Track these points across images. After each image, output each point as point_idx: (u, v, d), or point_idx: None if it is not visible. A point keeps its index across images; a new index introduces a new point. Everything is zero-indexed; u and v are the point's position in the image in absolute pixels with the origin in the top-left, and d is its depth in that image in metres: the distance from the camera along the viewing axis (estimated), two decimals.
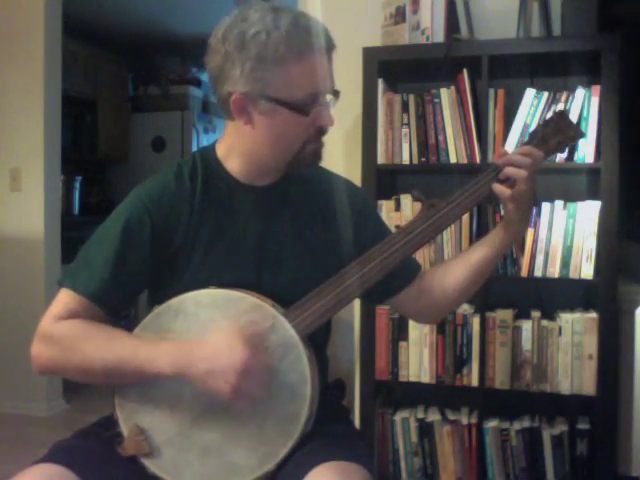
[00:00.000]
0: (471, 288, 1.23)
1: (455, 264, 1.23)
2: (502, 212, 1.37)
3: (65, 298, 1.11)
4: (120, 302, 1.14)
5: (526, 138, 1.19)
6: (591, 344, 2.01)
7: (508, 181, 1.13)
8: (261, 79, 1.05)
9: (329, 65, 1.10)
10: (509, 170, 1.12)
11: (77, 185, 4.63)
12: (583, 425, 2.08)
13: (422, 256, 2.12)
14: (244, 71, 1.05)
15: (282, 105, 1.06)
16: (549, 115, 1.23)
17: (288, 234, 1.19)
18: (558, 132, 1.17)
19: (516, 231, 1.18)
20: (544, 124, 1.18)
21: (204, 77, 5.41)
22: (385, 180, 2.24)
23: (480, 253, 1.20)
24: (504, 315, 2.09)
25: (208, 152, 1.21)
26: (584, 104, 2.01)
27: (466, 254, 1.23)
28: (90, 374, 1.09)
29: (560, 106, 2.03)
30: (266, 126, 1.09)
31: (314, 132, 1.11)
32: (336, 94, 1.12)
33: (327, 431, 1.12)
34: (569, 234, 2.02)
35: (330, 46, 1.09)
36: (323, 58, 1.08)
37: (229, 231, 1.16)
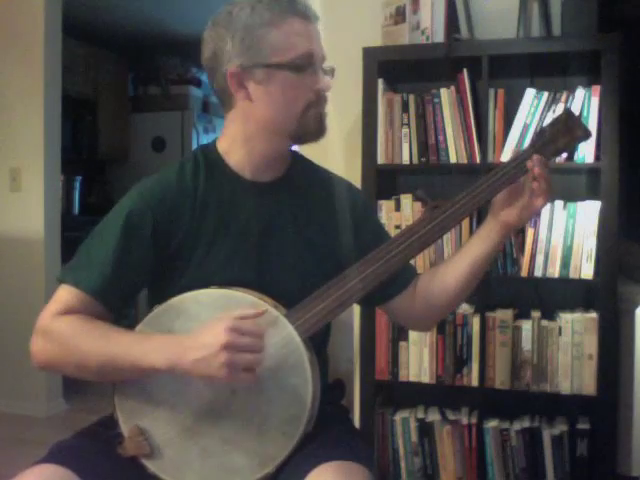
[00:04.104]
0: (471, 284, 1.21)
1: (453, 263, 1.21)
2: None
3: (65, 294, 1.11)
4: (120, 299, 1.14)
5: (527, 137, 1.18)
6: (591, 344, 2.01)
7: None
8: (251, 47, 1.09)
9: (316, 33, 1.13)
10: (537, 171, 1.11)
11: (77, 185, 4.63)
12: (583, 425, 2.08)
13: (422, 256, 2.11)
14: (235, 43, 1.09)
15: (276, 68, 1.09)
16: (554, 115, 1.22)
17: (290, 232, 1.19)
18: (566, 132, 1.14)
19: (511, 230, 1.18)
20: (552, 123, 1.16)
21: (204, 77, 5.41)
22: (385, 180, 2.24)
23: (477, 250, 1.18)
24: (504, 315, 2.09)
25: (209, 148, 1.21)
26: (584, 104, 2.01)
27: (463, 252, 1.21)
28: (87, 370, 1.08)
29: (560, 106, 2.02)
30: (264, 95, 1.11)
31: (314, 96, 1.12)
32: (330, 71, 1.14)
33: (327, 431, 1.12)
34: (569, 234, 2.02)
35: (313, 15, 1.13)
36: (308, 22, 1.12)
37: (231, 229, 1.16)
